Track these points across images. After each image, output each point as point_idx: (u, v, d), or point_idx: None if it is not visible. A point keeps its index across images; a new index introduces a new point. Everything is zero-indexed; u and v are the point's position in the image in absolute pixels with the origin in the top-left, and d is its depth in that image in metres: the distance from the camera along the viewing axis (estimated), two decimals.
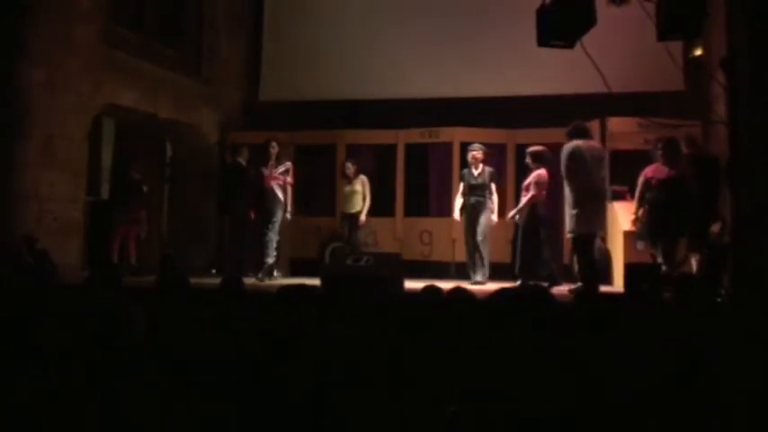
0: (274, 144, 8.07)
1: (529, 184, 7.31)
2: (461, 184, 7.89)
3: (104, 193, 9.28)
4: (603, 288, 7.09)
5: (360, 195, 8.32)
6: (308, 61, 9.82)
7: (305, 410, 2.19)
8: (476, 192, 7.74)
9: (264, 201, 7.93)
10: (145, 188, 8.74)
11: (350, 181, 8.42)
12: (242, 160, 8.34)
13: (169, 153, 10.27)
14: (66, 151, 7.30)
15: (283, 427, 2.19)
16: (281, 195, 7.99)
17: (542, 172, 7.30)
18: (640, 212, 6.67)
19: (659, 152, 6.69)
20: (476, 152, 7.78)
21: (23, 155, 6.84)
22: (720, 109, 5.78)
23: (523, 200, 7.29)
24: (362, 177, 8.39)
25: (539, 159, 7.36)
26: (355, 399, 2.20)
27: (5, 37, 6.75)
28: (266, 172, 7.98)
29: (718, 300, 5.16)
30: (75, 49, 7.36)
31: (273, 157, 8.02)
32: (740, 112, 4.56)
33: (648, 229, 6.62)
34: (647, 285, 5.65)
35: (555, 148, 8.80)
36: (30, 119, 6.90)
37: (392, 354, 2.55)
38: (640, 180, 6.68)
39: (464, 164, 8.55)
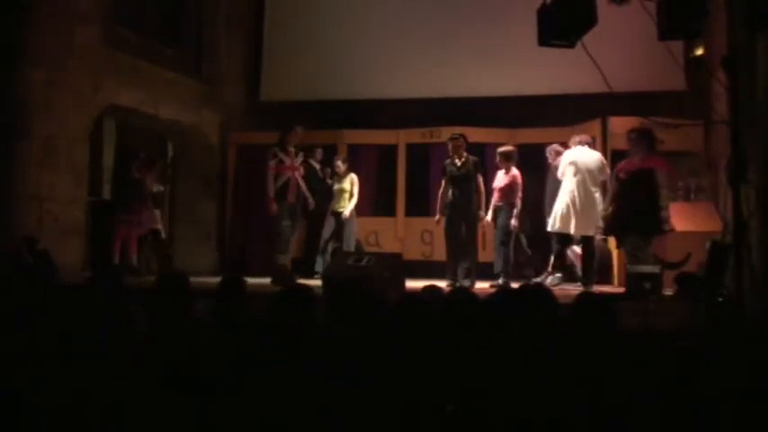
0: (298, 131, 7.52)
1: (506, 186, 7.24)
2: (443, 180, 7.44)
3: (106, 193, 9.29)
4: (604, 288, 7.11)
5: (348, 194, 8.21)
6: (308, 61, 9.81)
7: (305, 409, 2.19)
8: (459, 184, 7.22)
9: (290, 193, 7.43)
10: (161, 188, 8.72)
11: (340, 179, 8.30)
12: (314, 162, 8.21)
13: (170, 153, 10.28)
14: (67, 152, 7.30)
15: (283, 426, 2.19)
16: (303, 187, 7.57)
17: (518, 173, 7.27)
18: (610, 208, 6.52)
19: (630, 143, 6.52)
20: (457, 140, 7.31)
21: (24, 155, 6.85)
22: (721, 108, 5.77)
23: (515, 206, 7.17)
24: (352, 176, 8.27)
25: (509, 159, 7.31)
26: (355, 398, 2.20)
27: (6, 37, 6.75)
28: (287, 161, 7.49)
29: (720, 299, 5.15)
30: (76, 49, 7.36)
31: (292, 144, 7.44)
32: (741, 111, 4.55)
33: (613, 225, 6.48)
34: (649, 285, 5.66)
35: None
36: (30, 119, 6.90)
37: (392, 353, 2.55)
38: (612, 174, 6.62)
39: None
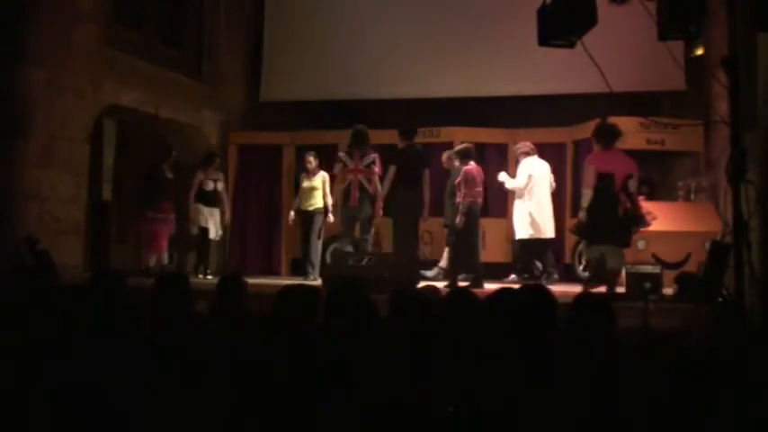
0: (363, 130, 7.50)
1: (458, 183, 7.25)
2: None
3: (106, 193, 9.26)
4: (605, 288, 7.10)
5: (320, 192, 8.07)
6: (308, 61, 9.80)
7: (305, 408, 2.19)
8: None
9: (352, 197, 7.41)
10: (220, 186, 8.38)
11: (309, 176, 8.15)
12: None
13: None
14: (67, 152, 7.30)
15: (283, 425, 2.19)
16: (369, 190, 7.44)
17: (469, 168, 7.24)
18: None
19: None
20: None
21: (24, 155, 6.84)
22: (721, 108, 5.77)
23: (459, 202, 7.21)
24: (323, 174, 8.13)
25: (465, 156, 7.34)
26: (354, 397, 2.20)
27: (6, 38, 6.74)
28: (351, 164, 7.45)
29: (720, 299, 5.16)
30: (76, 49, 7.36)
31: (363, 145, 7.39)
32: (741, 111, 4.56)
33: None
34: (649, 285, 5.66)
35: (556, 148, 8.83)
36: (31, 119, 6.90)
37: (392, 353, 2.55)
38: None
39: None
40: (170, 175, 8.30)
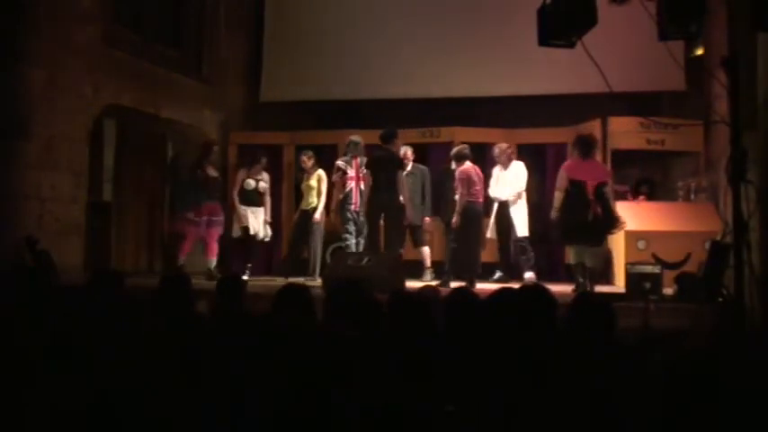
0: (358, 139, 7.60)
1: (456, 183, 7.30)
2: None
3: (106, 193, 9.26)
4: (605, 288, 7.11)
5: (315, 191, 8.04)
6: (307, 61, 9.80)
7: (305, 409, 2.19)
8: None
9: (353, 203, 7.54)
10: (262, 186, 8.04)
11: (307, 175, 8.13)
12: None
13: (170, 153, 10.26)
14: (67, 152, 7.29)
15: (283, 425, 2.19)
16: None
17: (464, 168, 7.26)
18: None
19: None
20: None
21: (24, 156, 6.84)
22: (721, 108, 5.78)
23: (457, 202, 7.26)
24: (320, 172, 8.09)
25: (460, 158, 7.37)
26: (354, 397, 2.20)
27: (6, 38, 6.74)
28: (350, 171, 7.54)
29: (720, 299, 5.15)
30: (76, 49, 7.36)
31: (360, 153, 7.50)
32: (741, 111, 4.56)
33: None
34: (649, 285, 5.68)
35: (556, 148, 8.84)
36: (31, 120, 6.89)
37: (392, 354, 2.55)
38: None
39: None
40: (214, 174, 8.07)
